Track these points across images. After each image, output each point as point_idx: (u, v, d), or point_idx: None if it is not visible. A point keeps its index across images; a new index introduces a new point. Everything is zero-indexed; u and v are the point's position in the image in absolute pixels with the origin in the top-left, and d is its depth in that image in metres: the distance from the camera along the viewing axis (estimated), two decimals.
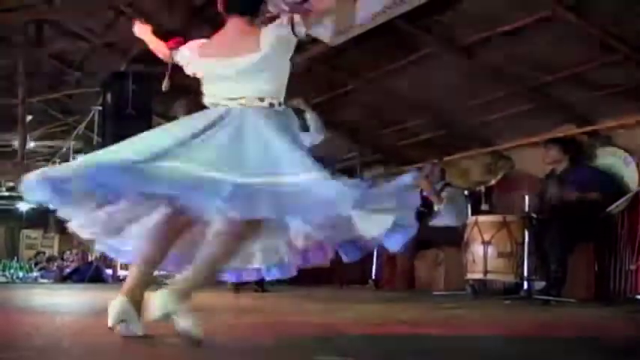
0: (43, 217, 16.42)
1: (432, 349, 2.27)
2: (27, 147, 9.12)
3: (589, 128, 5.87)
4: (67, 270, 10.53)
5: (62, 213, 2.27)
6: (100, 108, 8.42)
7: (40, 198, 2.14)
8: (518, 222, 5.34)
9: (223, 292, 5.32)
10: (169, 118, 7.21)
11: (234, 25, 2.45)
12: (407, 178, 2.25)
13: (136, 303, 2.21)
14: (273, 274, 2.49)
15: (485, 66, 5.85)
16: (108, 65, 8.23)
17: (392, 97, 7.02)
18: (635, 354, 2.24)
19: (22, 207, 15.38)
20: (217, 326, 2.80)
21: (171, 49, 2.62)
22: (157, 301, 2.09)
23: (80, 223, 2.31)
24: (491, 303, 4.77)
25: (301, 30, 2.41)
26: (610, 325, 3.29)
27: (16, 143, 9.15)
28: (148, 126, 7.43)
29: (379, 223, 2.12)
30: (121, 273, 12.27)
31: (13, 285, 9.06)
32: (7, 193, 14.87)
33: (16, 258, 13.06)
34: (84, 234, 2.37)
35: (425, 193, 6.54)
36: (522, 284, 5.11)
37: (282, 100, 2.41)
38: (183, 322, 2.07)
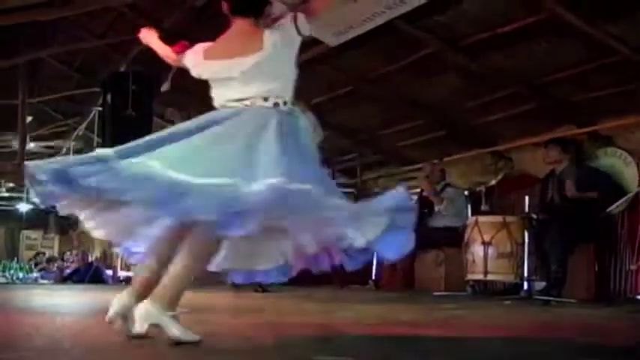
0: (43, 218, 16.43)
1: (432, 350, 2.27)
2: (27, 148, 9.12)
3: (589, 129, 5.86)
4: (67, 271, 10.54)
5: (64, 208, 2.24)
6: (100, 109, 8.42)
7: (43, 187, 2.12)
8: (519, 222, 5.35)
9: (223, 292, 5.32)
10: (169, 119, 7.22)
11: (238, 26, 2.45)
12: (397, 197, 2.23)
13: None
14: (275, 277, 2.49)
15: (486, 66, 5.85)
16: (108, 66, 8.24)
17: (392, 98, 7.02)
18: (635, 355, 2.23)
19: (22, 208, 15.37)
20: (217, 326, 2.80)
21: (178, 53, 2.62)
22: (141, 314, 2.11)
23: (94, 223, 2.30)
24: (491, 303, 4.77)
25: (305, 29, 2.41)
26: (610, 326, 3.29)
27: (15, 144, 9.16)
28: (149, 126, 7.44)
29: (370, 229, 2.12)
30: (122, 274, 12.29)
31: (13, 286, 9.05)
32: (7, 194, 14.87)
33: (16, 259, 13.07)
34: (98, 234, 2.36)
35: (425, 194, 6.54)
36: (522, 284, 5.11)
37: (288, 99, 2.39)
38: (172, 331, 2.08)
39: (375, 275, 6.82)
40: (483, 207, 5.99)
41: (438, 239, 6.16)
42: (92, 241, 14.12)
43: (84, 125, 9.92)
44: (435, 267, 6.21)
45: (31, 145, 10.12)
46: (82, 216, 2.29)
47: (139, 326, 2.11)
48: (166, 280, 2.17)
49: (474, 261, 5.49)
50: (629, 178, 5.38)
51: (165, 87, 5.23)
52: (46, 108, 9.83)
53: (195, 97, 8.24)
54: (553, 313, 4.01)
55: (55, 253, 15.37)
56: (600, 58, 5.13)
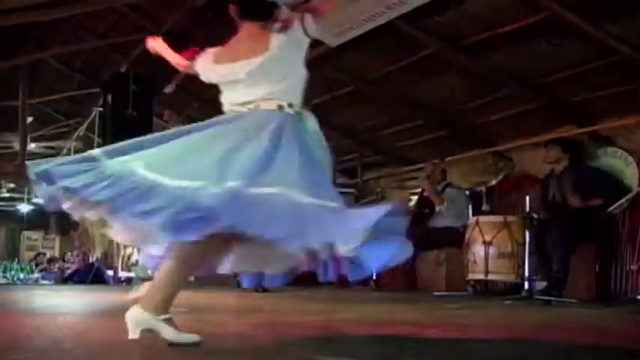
0: (43, 219, 16.42)
1: (433, 350, 2.27)
2: (28, 148, 9.12)
3: (590, 129, 5.86)
4: (68, 271, 10.54)
5: (73, 210, 2.19)
6: (101, 109, 8.43)
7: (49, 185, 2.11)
8: (519, 222, 5.35)
9: (224, 292, 5.32)
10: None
11: (246, 30, 2.46)
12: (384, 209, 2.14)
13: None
14: (281, 280, 2.48)
15: (486, 66, 5.85)
16: (109, 66, 8.24)
17: (393, 98, 7.02)
18: (636, 355, 2.23)
19: (23, 208, 15.38)
20: (218, 326, 2.80)
21: (188, 59, 2.62)
22: (132, 320, 2.11)
23: (117, 229, 2.27)
24: (492, 303, 4.76)
25: (312, 29, 2.41)
26: (611, 326, 3.29)
27: (16, 145, 9.16)
28: (149, 127, 7.45)
29: (354, 237, 2.02)
30: (122, 274, 12.29)
31: (14, 286, 9.05)
32: (7, 195, 14.88)
33: (16, 259, 13.07)
34: (123, 238, 2.37)
35: (426, 194, 6.54)
36: (523, 284, 5.11)
37: (294, 102, 2.36)
38: (167, 334, 2.09)
39: (376, 275, 6.82)
40: (484, 207, 5.99)
41: (439, 239, 6.15)
42: (93, 241, 14.12)
43: (85, 126, 9.92)
44: (435, 267, 6.21)
45: (32, 146, 10.13)
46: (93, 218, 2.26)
47: (132, 332, 2.11)
48: (154, 284, 2.17)
49: (475, 261, 5.49)
50: (630, 178, 5.38)
51: (169, 89, 5.24)
52: (47, 109, 9.84)
53: (195, 97, 8.30)
54: (554, 313, 4.01)
55: (56, 253, 15.36)
56: (601, 58, 5.13)
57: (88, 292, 6.56)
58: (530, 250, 5.07)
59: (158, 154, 2.21)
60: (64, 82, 9.19)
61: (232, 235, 2.13)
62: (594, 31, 4.83)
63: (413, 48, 5.93)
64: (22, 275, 11.15)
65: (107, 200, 2.05)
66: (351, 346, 2.27)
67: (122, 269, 13.07)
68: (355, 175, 8.54)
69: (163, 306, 2.13)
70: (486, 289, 5.82)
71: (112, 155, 2.17)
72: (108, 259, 13.09)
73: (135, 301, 2.17)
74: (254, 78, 2.35)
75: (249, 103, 2.34)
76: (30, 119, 8.88)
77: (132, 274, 11.79)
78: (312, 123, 2.40)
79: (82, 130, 10.18)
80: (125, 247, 14.14)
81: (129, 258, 14.36)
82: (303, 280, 2.67)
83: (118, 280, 11.51)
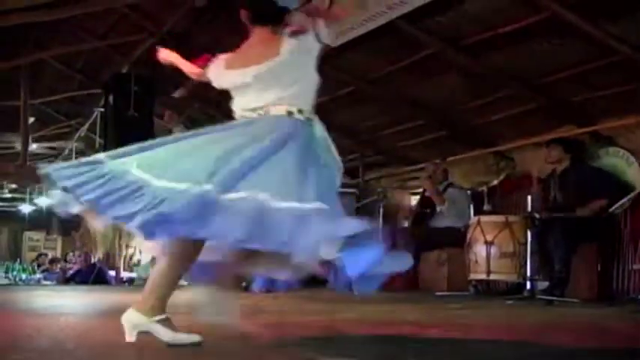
0: (45, 219, 16.44)
1: (435, 350, 2.27)
2: (29, 149, 9.13)
3: (591, 128, 5.86)
4: (70, 272, 10.55)
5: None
6: (102, 110, 8.44)
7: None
8: (521, 222, 5.34)
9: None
10: None
11: (257, 35, 2.46)
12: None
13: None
14: (294, 284, 2.48)
15: (487, 66, 5.84)
16: (110, 67, 8.25)
17: (393, 98, 7.02)
18: (638, 356, 2.23)
19: (25, 209, 15.40)
20: (218, 327, 2.80)
21: (201, 67, 2.62)
22: (128, 322, 2.12)
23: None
24: (494, 303, 4.76)
25: (325, 35, 2.41)
26: (613, 326, 3.28)
27: (18, 145, 9.18)
28: (150, 128, 7.46)
29: (329, 241, 2.02)
30: (124, 275, 12.31)
31: (16, 287, 9.07)
32: (9, 195, 14.90)
33: (18, 260, 13.09)
34: (150, 250, 2.38)
35: (427, 194, 6.54)
36: (525, 284, 5.11)
37: (304, 108, 2.36)
38: (164, 335, 2.09)
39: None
40: (486, 207, 5.99)
41: (441, 239, 6.15)
42: (95, 242, 14.14)
43: (86, 126, 9.94)
44: (437, 267, 6.21)
45: (33, 147, 10.15)
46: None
47: (129, 335, 2.12)
48: (149, 284, 2.18)
49: (476, 261, 5.49)
50: (632, 178, 5.38)
51: (179, 93, 5.25)
52: (49, 109, 9.85)
53: (196, 98, 8.29)
54: (556, 313, 4.01)
55: (58, 254, 15.39)
56: (601, 58, 5.13)
57: (89, 293, 6.57)
58: (532, 249, 5.06)
59: (155, 155, 2.21)
60: (65, 83, 9.20)
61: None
62: (594, 31, 4.82)
63: (414, 48, 5.93)
64: (24, 276, 11.16)
65: (94, 200, 2.06)
66: (352, 346, 2.27)
67: (124, 269, 13.09)
68: (357, 175, 8.53)
69: (159, 306, 2.13)
70: (488, 289, 5.82)
71: (114, 157, 2.17)
72: (110, 260, 13.11)
73: None
74: (264, 82, 2.34)
75: (259, 108, 2.33)
76: (31, 120, 8.89)
77: (134, 275, 11.81)
78: (319, 130, 2.39)
79: (83, 131, 10.20)
80: (127, 247, 14.17)
81: (131, 258, 14.38)
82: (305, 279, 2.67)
83: (120, 281, 11.52)
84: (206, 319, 2.35)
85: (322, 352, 2.10)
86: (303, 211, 2.04)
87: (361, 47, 6.08)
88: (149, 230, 2.03)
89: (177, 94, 5.78)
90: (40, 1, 6.10)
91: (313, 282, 2.52)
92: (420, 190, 6.95)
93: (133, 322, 2.12)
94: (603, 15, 4.73)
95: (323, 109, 2.59)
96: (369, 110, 7.43)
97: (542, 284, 4.92)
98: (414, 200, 7.68)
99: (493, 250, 5.38)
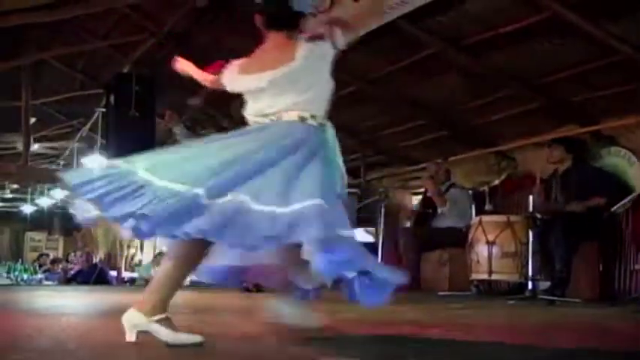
0: (47, 220, 16.46)
1: (436, 350, 2.27)
2: (31, 149, 9.14)
3: (592, 128, 5.85)
4: (71, 272, 10.55)
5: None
6: (104, 110, 8.44)
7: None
8: (523, 222, 5.34)
9: (224, 292, 5.32)
10: None
11: (272, 39, 2.45)
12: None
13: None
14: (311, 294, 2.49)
15: (488, 66, 5.84)
16: (111, 67, 8.25)
17: (394, 98, 7.02)
18: (638, 357, 2.23)
19: (27, 209, 15.42)
20: (219, 327, 2.80)
21: (215, 74, 2.62)
22: (129, 321, 2.12)
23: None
24: (495, 303, 4.76)
25: (340, 42, 2.41)
26: (615, 326, 3.28)
27: (20, 145, 9.19)
28: (152, 128, 7.46)
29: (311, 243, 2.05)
30: (126, 275, 12.32)
31: (17, 287, 9.07)
32: (11, 196, 14.91)
33: (20, 260, 13.11)
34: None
35: (429, 194, 6.53)
36: (527, 284, 5.11)
37: (318, 113, 2.36)
38: (164, 335, 2.09)
39: None
40: (487, 207, 5.99)
41: (442, 239, 6.15)
42: (96, 242, 14.16)
43: (88, 126, 9.94)
44: (439, 267, 6.21)
45: (35, 147, 10.15)
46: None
47: (129, 334, 2.12)
48: (152, 284, 2.19)
49: (478, 261, 5.49)
50: (634, 178, 5.37)
51: (194, 101, 5.26)
52: (50, 109, 9.85)
53: (193, 97, 8.27)
54: (557, 313, 4.00)
55: (60, 254, 15.40)
56: (602, 57, 5.12)
57: (91, 293, 6.57)
58: (533, 249, 5.06)
59: (164, 158, 2.22)
60: (67, 83, 9.21)
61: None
62: (595, 31, 4.82)
63: (414, 48, 5.93)
64: (25, 276, 11.18)
65: (95, 198, 2.07)
66: (353, 346, 2.27)
67: (125, 270, 13.11)
68: (358, 175, 8.53)
69: (161, 306, 2.13)
70: (490, 289, 5.82)
71: (128, 161, 2.18)
72: (111, 260, 13.12)
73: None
74: (279, 88, 2.34)
75: (272, 114, 2.33)
76: (33, 120, 8.90)
77: (135, 275, 11.82)
78: (332, 135, 2.40)
79: (84, 131, 10.20)
80: (128, 247, 14.19)
81: (132, 258, 14.40)
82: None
83: (121, 281, 11.54)
84: (293, 325, 2.37)
85: (322, 352, 2.10)
86: (284, 215, 2.05)
87: (362, 47, 6.07)
88: (139, 230, 2.06)
89: (191, 102, 5.81)
90: (41, 2, 6.10)
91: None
92: (422, 190, 6.94)
93: (133, 321, 2.12)
94: (604, 15, 4.73)
95: None
96: (369, 110, 7.43)
97: (544, 284, 4.92)
98: (416, 200, 7.68)
99: (495, 250, 5.39)
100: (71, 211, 2.15)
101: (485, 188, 6.23)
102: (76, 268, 10.79)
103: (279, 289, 2.45)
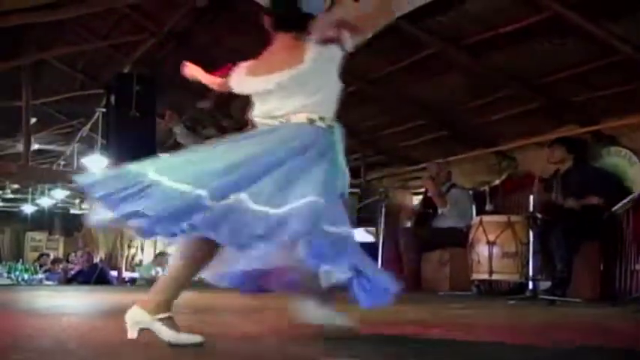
0: (48, 220, 16.47)
1: (436, 350, 2.27)
2: (31, 149, 9.14)
3: (593, 128, 5.85)
4: (72, 272, 10.55)
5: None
6: (104, 110, 8.44)
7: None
8: (523, 222, 5.34)
9: (225, 292, 5.31)
10: None
11: (280, 41, 2.45)
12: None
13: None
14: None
15: (488, 66, 5.84)
16: (112, 67, 8.26)
17: (395, 98, 7.02)
18: (637, 357, 2.23)
19: (27, 209, 15.42)
20: (219, 327, 2.80)
21: (223, 77, 2.62)
22: (131, 318, 2.12)
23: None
24: (496, 303, 4.76)
25: (350, 45, 2.41)
26: (616, 326, 3.28)
27: (20, 146, 9.19)
28: (152, 128, 7.46)
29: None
30: (126, 275, 12.32)
31: (18, 287, 9.07)
32: (12, 196, 14.91)
33: (21, 260, 13.11)
34: (205, 276, 2.38)
35: (429, 194, 6.53)
36: (527, 284, 5.11)
37: (326, 115, 2.36)
38: (165, 335, 2.09)
39: None
40: (488, 207, 5.99)
41: (443, 239, 6.15)
42: (97, 242, 14.16)
43: (88, 126, 9.94)
44: (439, 267, 6.21)
45: (35, 147, 10.15)
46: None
47: (130, 331, 2.12)
48: (159, 283, 2.20)
49: (478, 261, 5.49)
50: (634, 178, 5.37)
51: (204, 104, 5.28)
52: (50, 109, 9.86)
53: (197, 97, 8.28)
54: (558, 313, 4.00)
55: (60, 254, 15.40)
56: (602, 57, 5.12)
57: (92, 293, 6.57)
58: (534, 249, 5.06)
59: (172, 160, 2.25)
60: (67, 83, 9.21)
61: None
62: (596, 31, 4.82)
63: (414, 48, 5.93)
64: (26, 276, 11.17)
65: (103, 197, 2.08)
66: (353, 345, 2.27)
67: (126, 270, 13.11)
68: (358, 174, 8.53)
69: (165, 305, 2.13)
70: (490, 289, 5.82)
71: (140, 164, 2.20)
72: (112, 260, 13.12)
73: None
74: (287, 90, 2.34)
75: (280, 116, 2.33)
76: (33, 120, 8.90)
77: (136, 275, 11.82)
78: (340, 136, 2.41)
79: (85, 131, 10.20)
80: (129, 247, 14.20)
81: (133, 258, 14.40)
82: None
83: (122, 281, 11.54)
84: (326, 326, 2.37)
85: (323, 352, 2.10)
86: (275, 215, 2.08)
87: (362, 47, 6.06)
88: (142, 228, 2.08)
89: (202, 105, 5.85)
90: (42, 2, 6.10)
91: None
92: (422, 190, 6.94)
93: (136, 319, 2.12)
94: (605, 15, 4.73)
95: None
96: (370, 110, 7.43)
97: (545, 284, 4.92)
98: (416, 200, 7.67)
99: (495, 250, 5.39)
100: (86, 214, 2.17)
101: (486, 188, 6.23)
102: (77, 268, 10.79)
103: (296, 292, 2.45)
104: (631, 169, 5.43)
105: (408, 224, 7.05)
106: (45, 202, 14.58)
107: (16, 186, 13.87)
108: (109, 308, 4.10)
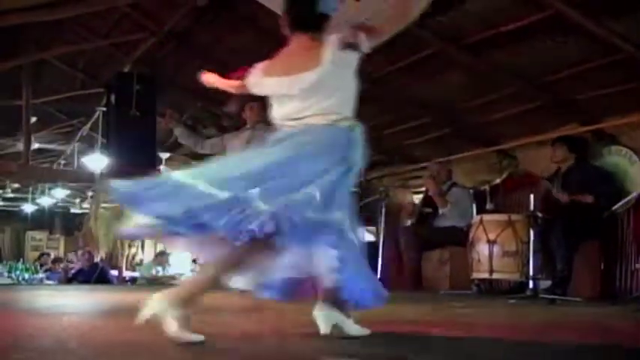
0: (48, 219, 16.47)
1: (435, 349, 2.27)
2: (31, 148, 9.14)
3: (594, 127, 5.85)
4: (72, 271, 10.55)
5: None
6: (105, 109, 8.44)
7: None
8: (524, 221, 5.34)
9: (225, 292, 5.31)
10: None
11: (297, 41, 2.46)
12: None
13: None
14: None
15: (489, 65, 5.83)
16: (111, 66, 8.25)
17: (395, 97, 7.01)
18: (637, 356, 2.22)
19: (27, 208, 15.42)
20: (219, 326, 2.80)
21: (240, 79, 2.63)
22: (150, 302, 2.14)
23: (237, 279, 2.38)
24: (496, 302, 4.76)
25: (366, 47, 2.43)
26: (616, 325, 3.28)
27: (20, 145, 9.18)
28: (152, 127, 7.45)
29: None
30: (127, 274, 12.31)
31: (18, 286, 9.07)
32: (12, 195, 14.91)
33: (21, 259, 13.11)
34: (238, 285, 2.41)
35: (430, 194, 6.52)
36: (528, 283, 5.11)
37: (346, 115, 2.40)
38: (170, 328, 2.10)
39: (381, 275, 6.81)
40: (488, 206, 5.98)
41: (443, 238, 6.15)
42: (97, 241, 14.16)
43: (88, 126, 9.94)
44: (439, 266, 6.21)
45: (35, 146, 10.15)
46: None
47: (142, 316, 2.13)
48: (190, 279, 2.24)
49: (479, 260, 5.48)
50: (634, 177, 5.36)
51: (230, 107, 5.33)
52: (51, 109, 9.85)
53: (198, 97, 8.29)
54: (558, 312, 4.00)
55: (61, 253, 15.40)
56: (604, 56, 5.12)
57: (92, 292, 6.57)
58: (534, 248, 5.06)
59: (207, 167, 2.30)
60: (67, 82, 9.20)
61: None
62: (597, 30, 4.81)
63: (415, 47, 5.92)
64: (26, 275, 11.17)
65: (130, 195, 2.13)
66: (353, 344, 2.27)
67: (126, 269, 13.10)
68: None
69: (187, 300, 2.14)
70: (491, 288, 5.82)
71: (170, 171, 2.31)
72: (112, 259, 13.12)
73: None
74: (308, 93, 2.37)
75: (301, 118, 2.36)
76: (34, 119, 8.90)
77: (136, 274, 11.82)
78: (360, 134, 2.43)
79: (85, 130, 10.20)
80: (129, 246, 14.19)
81: (133, 258, 14.40)
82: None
83: (122, 280, 11.53)
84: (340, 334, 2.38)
85: (323, 351, 2.10)
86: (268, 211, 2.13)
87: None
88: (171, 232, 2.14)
89: (228, 110, 5.95)
90: (42, 1, 6.10)
91: None
92: (423, 189, 6.94)
93: (153, 304, 2.13)
94: (606, 13, 4.72)
95: None
96: (370, 109, 7.41)
97: (545, 283, 4.92)
98: (417, 199, 7.67)
99: (496, 248, 5.38)
100: (122, 226, 2.20)
101: (487, 187, 6.23)
102: (77, 267, 10.78)
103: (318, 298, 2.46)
104: (631, 168, 5.43)
105: (409, 223, 7.06)
106: (45, 201, 14.58)
107: (16, 185, 13.88)
108: (109, 308, 4.11)
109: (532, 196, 5.28)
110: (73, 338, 2.39)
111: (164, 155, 9.40)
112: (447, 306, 4.27)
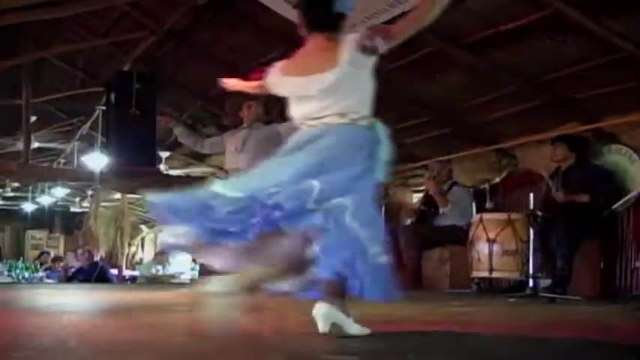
0: (48, 218, 16.47)
1: (435, 347, 2.27)
2: (31, 147, 9.13)
3: (593, 126, 5.84)
4: (72, 270, 10.55)
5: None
6: (104, 108, 8.43)
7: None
8: (523, 220, 5.34)
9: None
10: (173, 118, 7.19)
11: (314, 41, 2.48)
12: None
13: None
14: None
15: (489, 64, 5.83)
16: (111, 65, 8.25)
17: (395, 96, 7.00)
18: (639, 354, 2.23)
19: (27, 208, 15.42)
20: (220, 326, 2.80)
21: (259, 79, 2.65)
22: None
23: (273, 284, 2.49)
24: (496, 301, 4.76)
25: (382, 48, 2.45)
26: (616, 323, 3.28)
27: (20, 144, 9.18)
28: (152, 126, 7.45)
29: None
30: (126, 273, 12.32)
31: (18, 285, 9.08)
32: (12, 194, 14.91)
33: (21, 258, 13.11)
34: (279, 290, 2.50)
35: (431, 193, 6.52)
36: (528, 282, 5.11)
37: (365, 114, 2.43)
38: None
39: None
40: (488, 204, 5.99)
41: (443, 237, 6.15)
42: (97, 240, 14.17)
43: (88, 124, 9.93)
44: (439, 265, 6.21)
45: (35, 145, 10.15)
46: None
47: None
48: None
49: (479, 258, 5.48)
50: (634, 176, 5.36)
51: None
52: (50, 108, 9.85)
53: (198, 96, 8.29)
54: (558, 311, 4.00)
55: (61, 252, 15.40)
56: (604, 55, 5.11)
57: (92, 291, 6.57)
58: (534, 247, 5.07)
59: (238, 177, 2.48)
60: (67, 81, 9.20)
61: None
62: (597, 28, 4.81)
63: (415, 46, 5.91)
64: (26, 274, 11.17)
65: (162, 204, 2.22)
66: (353, 343, 2.27)
67: (126, 268, 13.11)
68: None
69: (254, 280, 2.33)
70: (490, 287, 5.82)
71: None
72: (112, 258, 13.12)
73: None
74: (326, 93, 2.39)
75: (319, 118, 2.38)
76: (33, 118, 8.89)
77: (136, 273, 11.82)
78: (382, 133, 2.46)
79: (85, 129, 10.19)
80: (129, 245, 14.20)
81: (133, 257, 14.41)
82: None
83: (122, 279, 11.53)
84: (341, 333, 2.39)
85: (322, 350, 2.10)
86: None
87: None
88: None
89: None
90: (41, 0, 6.09)
91: None
92: (423, 188, 6.94)
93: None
94: (606, 12, 4.72)
95: None
96: None
97: (545, 282, 4.92)
98: (417, 198, 7.67)
99: (495, 247, 5.38)
100: (160, 240, 2.29)
101: (486, 186, 6.23)
102: (76, 265, 10.78)
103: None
104: (631, 167, 5.42)
105: (408, 222, 7.06)
106: (45, 200, 14.57)
107: (16, 184, 13.86)
108: (109, 306, 4.11)
109: (532, 194, 5.28)
110: (72, 337, 2.40)
111: (164, 154, 9.40)
112: (447, 305, 4.27)
